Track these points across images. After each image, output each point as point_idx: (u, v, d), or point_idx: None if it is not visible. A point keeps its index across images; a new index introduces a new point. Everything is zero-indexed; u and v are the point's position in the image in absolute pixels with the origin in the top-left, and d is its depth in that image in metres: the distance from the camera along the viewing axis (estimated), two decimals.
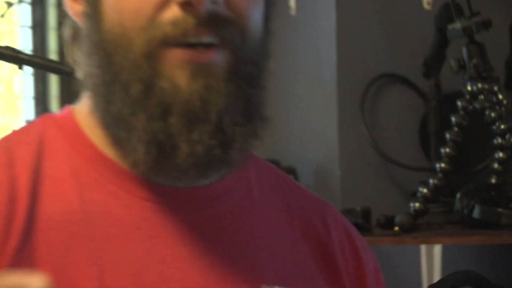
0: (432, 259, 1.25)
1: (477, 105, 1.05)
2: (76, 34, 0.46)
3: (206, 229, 0.45)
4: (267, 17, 0.45)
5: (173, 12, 0.38)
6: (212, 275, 0.43)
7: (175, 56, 0.38)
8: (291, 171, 1.18)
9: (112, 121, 0.41)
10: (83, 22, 0.43)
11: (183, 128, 0.39)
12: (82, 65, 0.44)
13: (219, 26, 0.38)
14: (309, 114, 1.37)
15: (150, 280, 0.42)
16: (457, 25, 1.05)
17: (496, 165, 1.06)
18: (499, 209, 1.03)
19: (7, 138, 0.47)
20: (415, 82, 1.27)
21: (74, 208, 0.42)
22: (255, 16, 0.42)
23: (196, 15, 0.37)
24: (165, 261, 0.43)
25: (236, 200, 0.48)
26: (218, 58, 0.39)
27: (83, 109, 0.45)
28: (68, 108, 0.47)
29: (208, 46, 0.38)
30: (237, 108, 0.40)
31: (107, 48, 0.41)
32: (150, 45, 0.38)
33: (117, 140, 0.42)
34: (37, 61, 0.91)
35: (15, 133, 0.48)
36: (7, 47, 0.80)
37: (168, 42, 0.38)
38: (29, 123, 0.57)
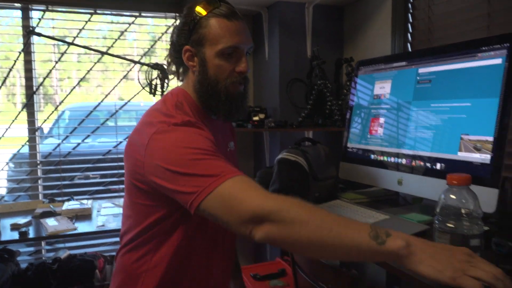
0: None
1: (321, 87, 2.47)
2: (184, 69, 1.14)
3: (224, 130, 1.24)
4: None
5: (235, 73, 1.07)
6: (223, 137, 1.22)
7: (234, 88, 1.09)
8: (263, 108, 2.56)
9: (207, 104, 1.10)
10: (194, 68, 1.09)
11: (232, 109, 1.11)
12: (191, 80, 1.11)
13: (244, 79, 1.10)
14: (269, 91, 2.76)
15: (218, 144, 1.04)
16: (315, 63, 2.47)
17: (328, 107, 2.61)
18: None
19: (167, 99, 1.09)
20: (304, 81, 2.62)
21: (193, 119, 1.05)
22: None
23: (242, 76, 1.09)
24: (217, 136, 1.10)
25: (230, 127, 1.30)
26: (242, 87, 1.11)
27: (188, 89, 1.12)
28: (179, 87, 1.15)
29: (242, 83, 1.10)
30: (244, 104, 1.13)
31: (210, 82, 1.07)
32: (228, 83, 1.07)
33: (207, 107, 1.11)
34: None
35: (170, 93, 1.13)
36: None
37: (235, 83, 1.08)
38: (174, 89, 1.16)
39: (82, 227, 2.21)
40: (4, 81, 2.57)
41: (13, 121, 2.61)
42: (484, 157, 1.22)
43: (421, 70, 1.51)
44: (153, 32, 3.10)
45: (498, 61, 1.23)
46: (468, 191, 0.95)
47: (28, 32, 2.40)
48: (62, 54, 2.68)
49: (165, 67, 2.27)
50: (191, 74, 1.12)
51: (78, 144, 2.81)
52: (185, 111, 1.07)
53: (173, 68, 1.16)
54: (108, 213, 2.47)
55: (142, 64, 2.43)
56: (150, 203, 1.03)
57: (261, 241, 0.80)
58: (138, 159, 0.98)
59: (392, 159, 1.58)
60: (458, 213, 0.94)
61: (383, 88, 1.68)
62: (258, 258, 3.01)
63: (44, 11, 2.65)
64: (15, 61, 2.60)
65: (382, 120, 1.66)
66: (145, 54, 2.91)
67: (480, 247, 0.93)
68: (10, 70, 2.60)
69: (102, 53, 2.59)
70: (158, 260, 1.06)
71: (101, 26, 2.83)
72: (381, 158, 1.63)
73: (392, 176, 1.55)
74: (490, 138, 1.21)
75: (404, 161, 1.52)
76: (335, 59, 2.64)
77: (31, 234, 2.08)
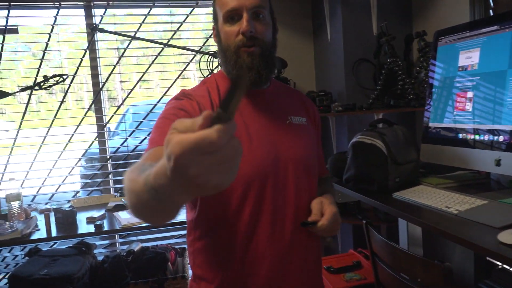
0: None
1: (391, 65, 2.30)
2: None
3: (265, 100, 1.12)
4: (274, 34, 1.10)
5: (240, 36, 1.04)
6: (273, 113, 1.11)
7: (243, 51, 1.04)
8: (328, 92, 2.47)
9: (227, 72, 1.11)
10: (216, 42, 1.12)
11: (247, 72, 1.03)
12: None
13: (253, 39, 1.03)
14: (333, 74, 2.65)
15: (258, 121, 1.08)
16: (383, 40, 2.37)
17: (400, 86, 2.43)
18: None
19: (205, 79, 1.16)
20: (371, 60, 2.51)
21: None
22: (267, 34, 1.07)
23: (246, 37, 1.03)
24: (258, 111, 1.09)
25: (272, 92, 1.15)
26: (255, 49, 1.04)
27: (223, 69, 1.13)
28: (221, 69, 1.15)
29: (251, 46, 1.03)
30: (263, 65, 1.05)
31: (223, 50, 1.08)
32: (235, 48, 1.05)
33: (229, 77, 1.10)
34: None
35: (207, 78, 1.17)
36: None
37: (240, 46, 1.04)
38: (213, 73, 1.19)
39: None
40: (72, 79, 2.64)
41: (83, 117, 2.68)
42: None
43: None
44: (209, 22, 3.05)
45: None
46: None
47: (92, 29, 2.44)
48: (125, 49, 2.71)
49: None
50: None
51: (145, 138, 2.83)
52: (206, 87, 1.10)
53: None
54: None
55: (203, 53, 2.39)
56: None
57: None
58: None
59: (486, 137, 1.40)
60: None
61: (469, 58, 1.50)
62: (328, 251, 2.90)
63: (105, 7, 2.69)
64: (82, 59, 2.65)
65: (470, 94, 1.48)
66: (204, 45, 2.87)
67: None
68: (78, 68, 2.66)
69: (164, 45, 2.58)
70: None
71: (160, 18, 2.82)
72: (472, 136, 1.46)
73: (487, 156, 1.38)
74: None
75: (501, 138, 1.35)
76: (404, 35, 2.45)
77: (106, 227, 2.12)
